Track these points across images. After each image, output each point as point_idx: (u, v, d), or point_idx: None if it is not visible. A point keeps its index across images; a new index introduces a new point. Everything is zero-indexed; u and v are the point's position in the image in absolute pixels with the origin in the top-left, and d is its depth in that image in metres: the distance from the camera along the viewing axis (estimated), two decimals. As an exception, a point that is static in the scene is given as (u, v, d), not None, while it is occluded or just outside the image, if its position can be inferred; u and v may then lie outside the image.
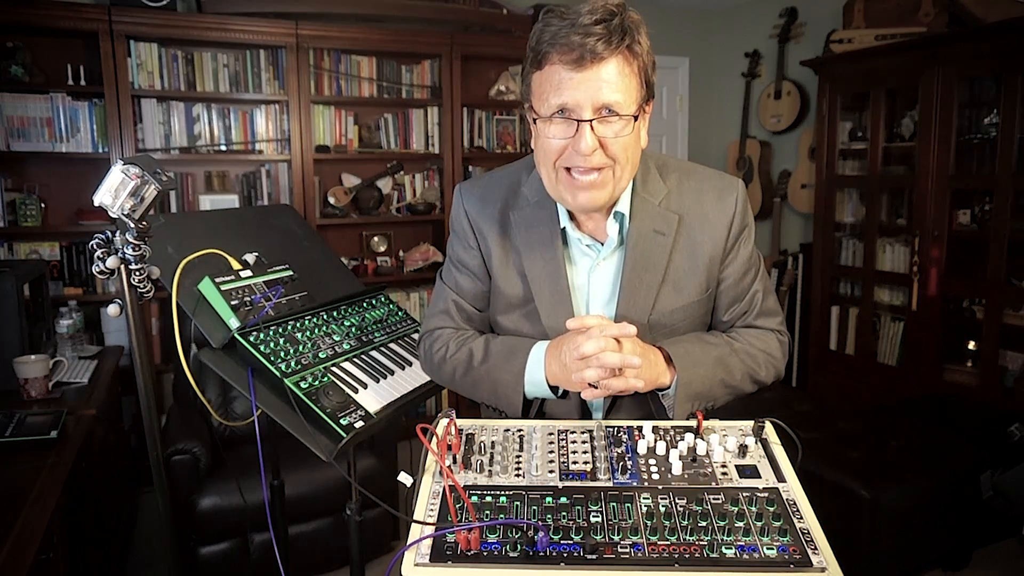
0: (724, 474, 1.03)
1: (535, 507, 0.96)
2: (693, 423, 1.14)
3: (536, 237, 1.18)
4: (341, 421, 1.23)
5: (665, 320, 1.18)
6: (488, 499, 0.98)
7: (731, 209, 1.18)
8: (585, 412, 1.25)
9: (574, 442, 1.12)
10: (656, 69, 1.10)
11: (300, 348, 1.37)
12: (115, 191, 1.11)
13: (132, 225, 1.14)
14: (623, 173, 1.08)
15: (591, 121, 1.02)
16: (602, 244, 1.18)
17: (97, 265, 1.16)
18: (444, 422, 1.11)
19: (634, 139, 1.07)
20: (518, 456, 1.08)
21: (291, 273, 1.56)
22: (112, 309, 1.19)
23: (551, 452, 1.09)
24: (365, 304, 1.65)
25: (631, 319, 1.15)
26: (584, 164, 1.05)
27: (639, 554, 0.88)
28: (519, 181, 1.23)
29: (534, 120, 1.08)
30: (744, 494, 0.97)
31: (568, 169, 1.07)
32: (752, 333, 1.23)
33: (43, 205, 3.31)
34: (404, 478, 1.08)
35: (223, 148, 3.63)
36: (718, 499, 0.97)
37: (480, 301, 1.27)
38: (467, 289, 1.26)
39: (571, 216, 1.18)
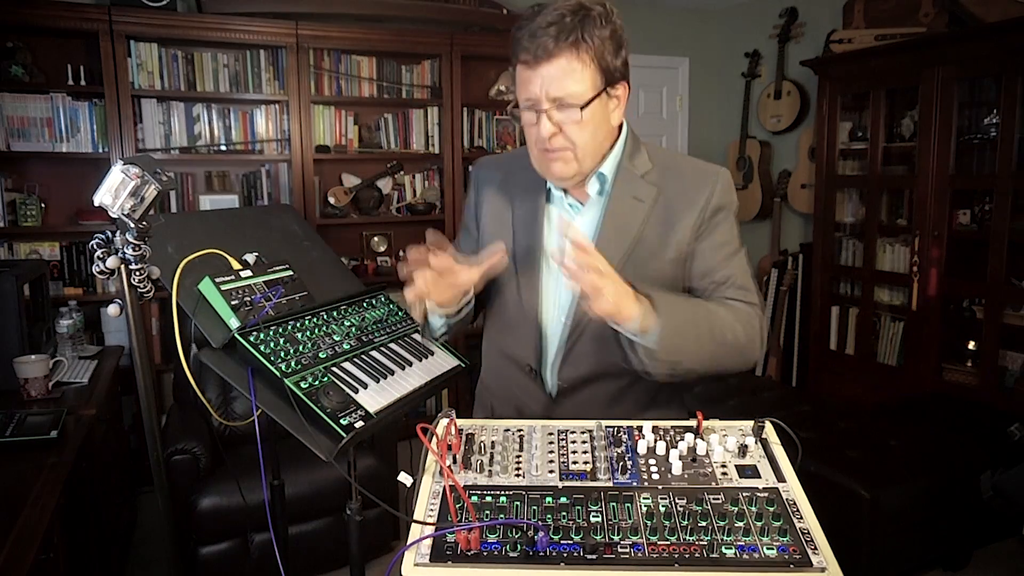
0: (724, 474, 1.03)
1: (535, 507, 0.96)
2: (693, 423, 1.14)
3: (527, 195, 1.34)
4: (341, 421, 1.23)
5: (633, 278, 1.21)
6: (488, 499, 0.98)
7: (709, 189, 1.25)
8: (539, 365, 1.31)
9: (574, 442, 1.12)
10: (620, 56, 1.18)
11: (300, 348, 1.37)
12: (115, 191, 1.11)
13: (132, 225, 1.14)
14: (585, 153, 1.21)
15: (547, 110, 1.16)
16: (582, 205, 1.30)
17: (97, 265, 1.16)
18: (444, 422, 1.11)
19: (592, 123, 1.18)
20: (518, 456, 1.08)
21: (291, 273, 1.56)
22: (112, 309, 1.19)
23: (551, 452, 1.09)
24: (365, 304, 1.65)
25: None
26: (547, 146, 1.19)
27: (639, 554, 0.88)
28: (525, 154, 1.37)
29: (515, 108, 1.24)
30: (744, 494, 0.97)
31: (543, 149, 1.21)
32: (733, 306, 1.24)
33: (43, 205, 3.31)
34: (404, 478, 1.08)
35: (223, 148, 3.63)
36: (718, 499, 0.97)
37: (469, 249, 1.40)
38: (461, 240, 1.46)
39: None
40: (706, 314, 1.19)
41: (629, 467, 1.04)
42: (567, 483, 1.01)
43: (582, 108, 1.16)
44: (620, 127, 1.29)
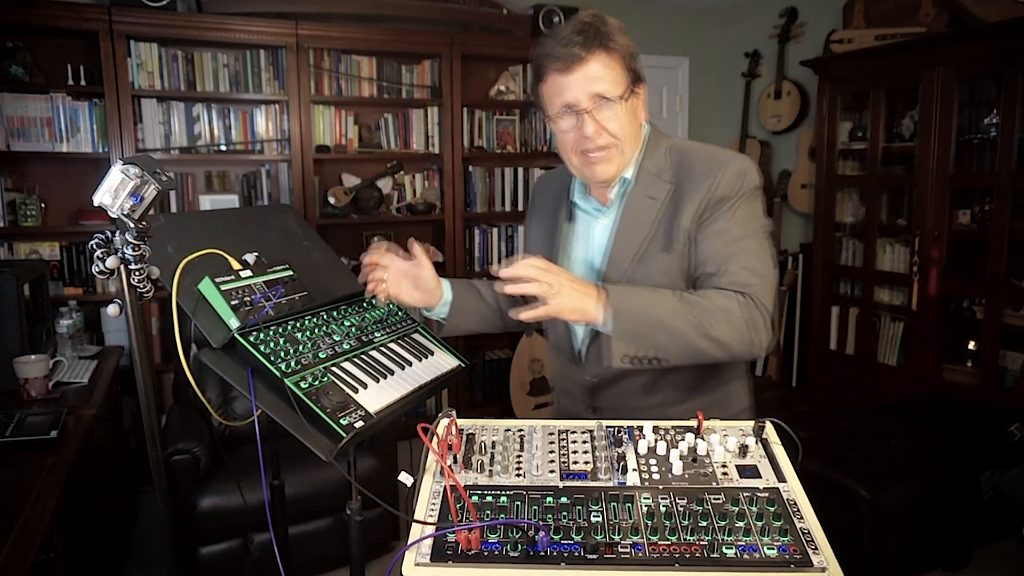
0: (724, 474, 1.03)
1: (536, 507, 0.96)
2: (693, 423, 1.14)
3: (554, 215, 1.47)
4: (341, 421, 1.23)
5: (645, 274, 1.29)
6: (489, 499, 0.98)
7: (713, 179, 1.26)
8: (577, 356, 1.42)
9: (574, 442, 1.12)
10: (638, 59, 1.29)
11: (300, 348, 1.37)
12: (115, 191, 1.11)
13: (132, 225, 1.13)
14: (625, 146, 1.29)
15: (588, 110, 1.23)
16: (606, 207, 1.37)
17: (97, 265, 1.16)
18: (445, 422, 1.11)
19: (629, 117, 1.27)
20: (519, 456, 1.08)
21: (291, 273, 1.55)
22: (112, 309, 1.19)
23: (551, 452, 1.09)
24: (365, 304, 1.65)
25: (615, 269, 1.31)
26: (592, 145, 1.26)
27: (639, 554, 0.88)
28: (558, 174, 1.50)
29: (548, 122, 1.31)
30: (744, 494, 0.97)
31: (583, 152, 1.28)
32: (715, 292, 1.22)
33: (43, 205, 3.31)
34: (404, 478, 1.08)
35: (223, 148, 3.63)
36: (718, 499, 0.97)
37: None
38: (524, 247, 1.57)
39: (585, 189, 1.41)
40: (667, 303, 1.18)
41: (629, 467, 1.04)
42: (567, 483, 1.01)
43: (623, 99, 1.24)
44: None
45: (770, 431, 1.12)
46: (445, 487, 0.97)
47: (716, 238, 1.25)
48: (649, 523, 0.92)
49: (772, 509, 0.95)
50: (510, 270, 1.14)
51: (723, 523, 0.92)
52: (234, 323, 1.34)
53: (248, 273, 1.46)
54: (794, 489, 0.99)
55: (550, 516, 0.94)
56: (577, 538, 0.90)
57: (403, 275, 1.43)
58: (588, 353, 1.39)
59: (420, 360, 1.55)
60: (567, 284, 1.14)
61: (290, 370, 1.30)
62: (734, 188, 1.26)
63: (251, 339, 1.33)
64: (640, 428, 1.14)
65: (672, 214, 1.28)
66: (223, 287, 1.38)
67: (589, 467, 1.04)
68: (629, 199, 1.32)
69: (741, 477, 1.02)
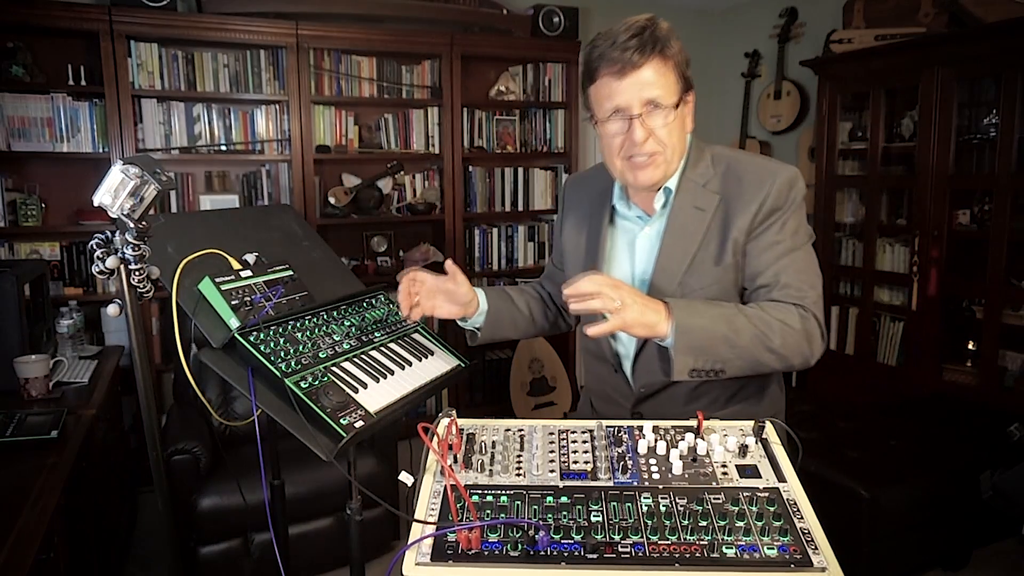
0: (724, 474, 1.03)
1: (536, 506, 0.96)
2: (693, 423, 1.14)
3: (594, 218, 1.44)
4: (341, 421, 1.23)
5: (696, 286, 1.28)
6: (489, 498, 0.98)
7: (764, 192, 1.26)
8: (619, 364, 1.42)
9: (575, 442, 1.12)
10: (690, 66, 1.27)
11: (300, 348, 1.37)
12: (115, 191, 1.11)
13: (132, 225, 1.13)
14: (673, 154, 1.27)
15: (640, 116, 1.22)
16: (650, 216, 1.36)
17: (97, 265, 1.16)
18: (445, 421, 1.11)
19: (678, 125, 1.26)
20: (519, 456, 1.08)
21: (291, 273, 1.55)
22: (112, 309, 1.19)
23: (551, 452, 1.09)
24: (365, 304, 1.65)
25: (665, 280, 1.30)
26: (640, 151, 1.24)
27: (640, 553, 0.88)
28: (597, 175, 1.48)
29: (595, 124, 1.30)
30: (744, 494, 0.98)
31: (629, 157, 1.26)
32: (771, 304, 1.24)
33: (43, 205, 3.31)
34: (405, 477, 1.08)
35: (223, 148, 3.63)
36: (718, 499, 0.97)
37: (557, 261, 1.59)
38: (556, 250, 1.59)
39: (626, 196, 1.39)
40: (729, 317, 1.19)
41: (629, 467, 1.04)
42: (568, 483, 1.01)
43: (675, 107, 1.23)
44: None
45: (770, 431, 1.13)
46: (445, 486, 0.97)
47: (768, 251, 1.26)
48: (649, 523, 0.92)
49: (772, 509, 0.95)
50: (574, 287, 1.14)
51: (723, 523, 0.92)
52: (234, 323, 1.34)
53: (248, 273, 1.46)
54: (794, 489, 0.99)
55: (550, 516, 0.94)
56: (577, 538, 0.90)
57: (436, 291, 1.42)
58: (636, 364, 1.37)
59: (420, 360, 1.55)
60: (633, 299, 1.14)
61: (290, 370, 1.30)
62: (785, 200, 1.26)
63: (251, 339, 1.33)
64: (640, 428, 1.14)
65: (722, 226, 1.28)
66: (223, 287, 1.38)
67: (589, 467, 1.05)
68: (675, 209, 1.31)
69: (741, 477, 1.02)
